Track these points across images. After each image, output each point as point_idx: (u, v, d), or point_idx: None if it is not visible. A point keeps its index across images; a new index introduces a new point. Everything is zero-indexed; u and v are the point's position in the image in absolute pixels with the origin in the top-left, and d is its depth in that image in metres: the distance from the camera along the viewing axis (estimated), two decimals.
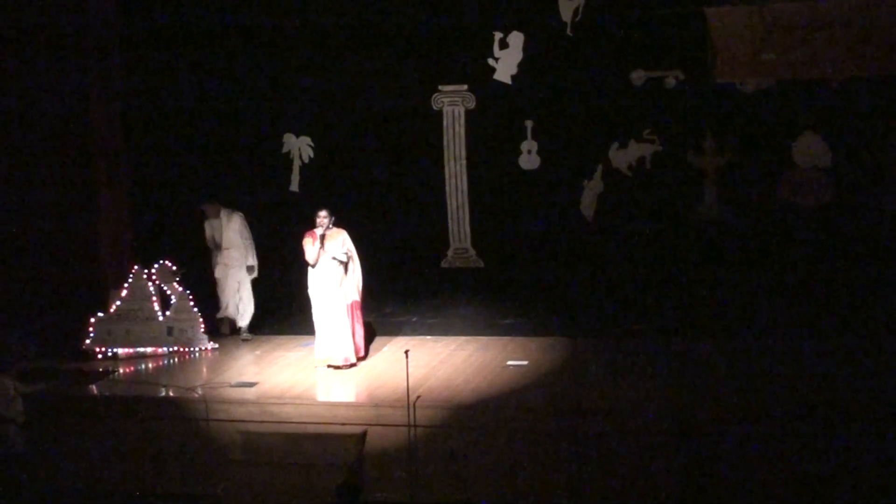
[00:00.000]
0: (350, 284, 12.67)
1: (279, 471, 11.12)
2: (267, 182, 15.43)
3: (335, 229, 12.63)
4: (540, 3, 14.26)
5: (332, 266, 12.55)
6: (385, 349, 13.49)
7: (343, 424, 11.34)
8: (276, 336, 14.40)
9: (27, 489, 11.21)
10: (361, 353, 12.87)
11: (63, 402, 12.17)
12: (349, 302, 12.66)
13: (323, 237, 12.51)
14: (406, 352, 11.27)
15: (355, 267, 12.71)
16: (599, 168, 14.36)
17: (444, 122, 14.89)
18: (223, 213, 14.27)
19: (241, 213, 14.31)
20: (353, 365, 12.68)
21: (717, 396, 11.22)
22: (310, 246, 12.58)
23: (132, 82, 15.05)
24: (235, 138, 15.36)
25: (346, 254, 12.57)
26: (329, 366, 12.65)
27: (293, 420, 11.51)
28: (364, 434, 11.26)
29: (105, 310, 13.94)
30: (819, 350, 12.59)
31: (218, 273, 14.38)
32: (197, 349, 13.88)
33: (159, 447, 11.73)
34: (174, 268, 14.05)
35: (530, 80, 14.46)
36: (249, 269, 14.32)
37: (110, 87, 14.68)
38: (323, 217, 12.54)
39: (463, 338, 13.97)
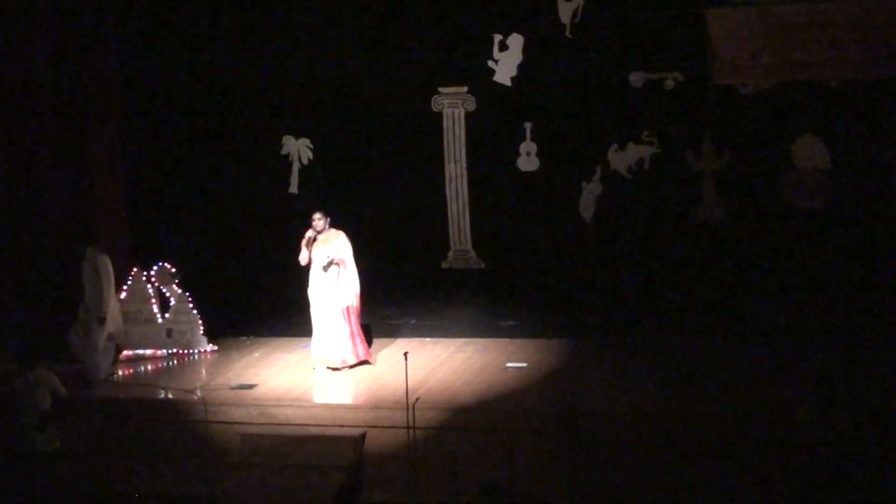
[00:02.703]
0: (343, 289, 12.61)
1: (278, 473, 11.13)
2: (266, 183, 15.43)
3: (332, 231, 12.61)
4: (539, 5, 14.26)
5: (320, 269, 12.53)
6: (384, 351, 13.49)
7: (342, 426, 11.35)
8: (275, 338, 14.40)
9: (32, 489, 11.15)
10: (360, 359, 12.76)
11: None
12: (343, 306, 12.62)
13: (313, 240, 12.48)
14: (405, 354, 11.26)
15: (349, 272, 12.67)
16: (598, 170, 14.35)
17: (444, 124, 14.88)
18: (88, 255, 13.02)
19: (104, 255, 12.98)
20: (350, 366, 12.65)
21: (717, 396, 11.22)
22: (303, 247, 12.59)
23: (131, 84, 15.06)
24: (235, 139, 15.35)
25: (329, 258, 12.50)
26: (327, 367, 12.65)
27: (292, 422, 11.53)
28: (363, 436, 11.27)
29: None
30: (819, 351, 12.58)
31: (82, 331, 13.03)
32: (196, 351, 13.89)
33: (158, 449, 11.73)
34: (173, 270, 14.06)
35: (530, 81, 14.46)
36: (99, 320, 12.88)
37: (109, 89, 14.68)
38: (318, 220, 12.52)
39: (462, 339, 13.98)
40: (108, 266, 12.93)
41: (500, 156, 14.69)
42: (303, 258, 12.55)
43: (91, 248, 13.04)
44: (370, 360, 12.89)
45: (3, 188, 14.39)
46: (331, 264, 12.51)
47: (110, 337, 13.05)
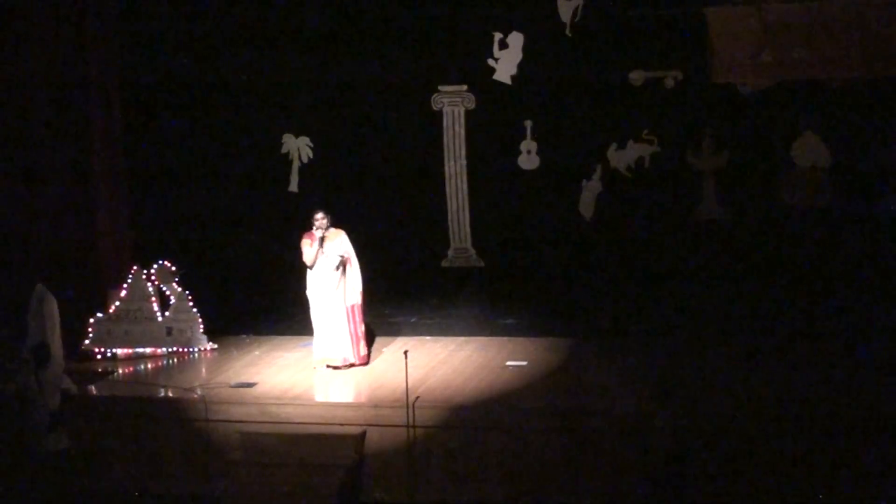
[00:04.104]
0: (349, 287, 12.62)
1: (278, 471, 11.12)
2: (266, 182, 15.45)
3: (334, 230, 12.60)
4: (539, 4, 14.27)
5: (330, 268, 12.53)
6: (384, 350, 13.49)
7: (342, 425, 11.34)
8: (276, 336, 14.39)
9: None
10: (364, 360, 12.79)
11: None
12: (349, 305, 12.62)
13: (322, 239, 12.49)
14: (405, 352, 11.27)
15: (354, 269, 12.68)
16: (598, 168, 14.38)
17: (444, 123, 14.90)
18: (36, 291, 12.32)
19: (51, 294, 12.31)
20: (351, 365, 12.66)
21: (716, 397, 11.22)
22: (308, 247, 12.55)
23: (132, 83, 15.05)
24: (235, 138, 15.36)
25: (341, 256, 12.51)
26: (328, 366, 12.65)
27: (292, 420, 11.51)
28: (363, 434, 11.26)
29: (104, 310, 13.94)
30: (818, 350, 12.59)
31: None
32: (196, 350, 13.88)
33: (159, 448, 11.73)
34: (173, 268, 14.04)
35: (530, 80, 14.47)
36: (40, 361, 11.85)
37: (110, 87, 14.67)
38: (320, 218, 12.50)
39: (462, 338, 13.96)
40: (53, 307, 12.32)
41: (501, 154, 14.71)
42: (311, 259, 12.50)
43: (41, 284, 12.47)
44: (368, 361, 12.89)
45: (5, 187, 14.38)
46: (342, 263, 12.51)
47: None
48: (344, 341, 12.59)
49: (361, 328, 12.80)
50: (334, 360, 12.63)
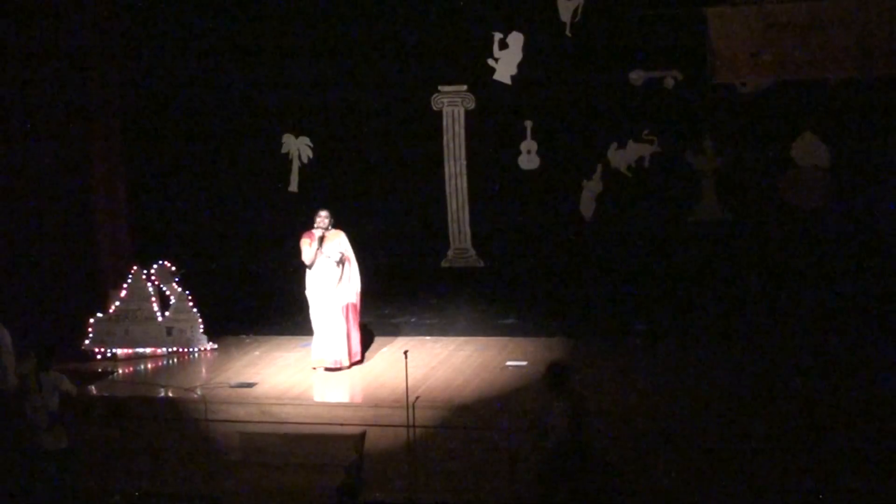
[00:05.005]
0: (346, 286, 12.63)
1: (278, 471, 11.13)
2: (266, 181, 15.45)
3: (333, 230, 12.61)
4: (539, 4, 14.27)
5: (329, 267, 12.52)
6: (384, 350, 13.49)
7: (342, 425, 11.35)
8: (276, 336, 14.39)
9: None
10: (357, 358, 12.79)
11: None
12: (344, 304, 12.62)
13: (321, 238, 12.49)
14: (405, 352, 11.26)
15: (352, 269, 12.68)
16: (598, 168, 14.38)
17: (444, 123, 14.90)
18: None
19: (3, 328, 11.49)
20: (341, 368, 12.62)
21: (716, 397, 11.23)
22: (307, 246, 12.55)
23: (131, 83, 15.06)
24: (235, 138, 15.37)
25: (342, 253, 12.51)
26: (324, 368, 12.65)
27: (292, 421, 11.52)
28: (363, 435, 11.26)
29: (104, 310, 13.95)
30: (818, 350, 12.59)
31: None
32: (196, 350, 13.88)
33: (158, 448, 11.73)
34: (173, 268, 14.05)
35: (530, 80, 14.48)
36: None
37: (110, 87, 14.68)
38: (323, 217, 12.51)
39: (462, 338, 13.97)
40: (5, 336, 11.63)
41: (501, 154, 14.71)
42: (310, 258, 12.50)
43: None
44: (362, 361, 12.89)
45: (5, 188, 14.39)
46: (341, 260, 12.52)
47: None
48: (338, 342, 12.58)
49: (357, 329, 12.78)
50: (326, 362, 12.63)
